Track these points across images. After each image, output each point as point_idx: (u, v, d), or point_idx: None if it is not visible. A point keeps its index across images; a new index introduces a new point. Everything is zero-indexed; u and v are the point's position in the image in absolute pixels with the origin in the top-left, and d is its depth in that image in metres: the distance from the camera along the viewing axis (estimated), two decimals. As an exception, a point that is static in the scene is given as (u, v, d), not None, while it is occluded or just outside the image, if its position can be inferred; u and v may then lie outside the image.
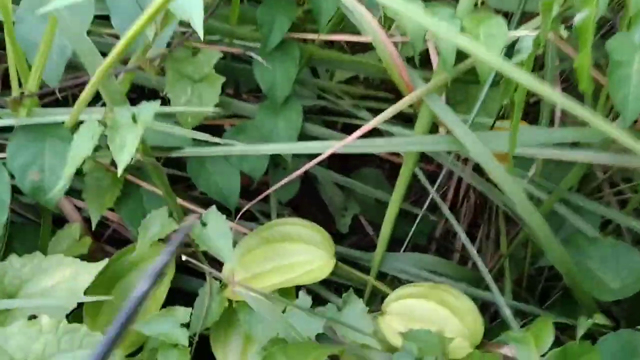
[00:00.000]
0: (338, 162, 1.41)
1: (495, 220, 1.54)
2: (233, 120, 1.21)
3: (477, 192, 1.61)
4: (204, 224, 0.98)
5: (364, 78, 1.46)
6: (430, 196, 1.18)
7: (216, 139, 0.99)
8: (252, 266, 1.09)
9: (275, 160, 1.24)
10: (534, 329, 0.88)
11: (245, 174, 1.16)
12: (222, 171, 1.14)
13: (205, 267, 1.09)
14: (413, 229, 1.20)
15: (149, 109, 0.82)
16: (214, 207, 0.99)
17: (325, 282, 1.22)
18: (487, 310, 1.39)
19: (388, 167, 1.53)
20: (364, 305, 0.98)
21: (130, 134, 0.81)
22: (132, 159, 0.82)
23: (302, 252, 1.08)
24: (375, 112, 1.32)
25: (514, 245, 1.26)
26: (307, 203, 1.47)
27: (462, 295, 1.02)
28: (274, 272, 1.07)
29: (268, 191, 1.04)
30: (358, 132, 0.99)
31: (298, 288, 1.10)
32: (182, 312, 0.99)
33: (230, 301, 1.06)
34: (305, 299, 0.98)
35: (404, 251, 1.24)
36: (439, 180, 1.19)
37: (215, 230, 0.98)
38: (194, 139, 1.07)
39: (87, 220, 1.14)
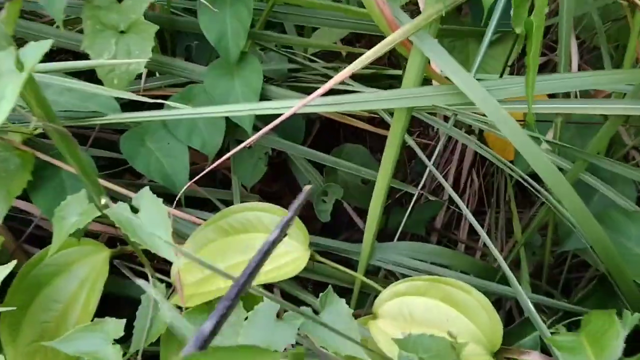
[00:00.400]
0: (323, 145, 1.19)
1: (505, 204, 1.32)
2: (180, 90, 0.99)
3: (482, 174, 1.39)
4: (135, 210, 0.76)
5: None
6: (428, 170, 0.96)
7: (144, 99, 0.76)
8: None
9: (236, 137, 1.01)
10: (589, 330, 0.63)
11: (197, 150, 0.94)
12: (166, 147, 0.92)
13: (148, 267, 0.87)
14: (408, 211, 0.97)
15: (36, 49, 0.60)
16: (146, 188, 0.76)
17: (301, 281, 1.00)
18: (500, 308, 1.17)
19: (376, 142, 1.31)
20: (347, 306, 0.75)
21: (11, 82, 0.58)
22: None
23: (268, 244, 0.86)
24: (357, 77, 1.11)
25: (531, 230, 1.03)
26: (282, 191, 1.25)
27: (472, 290, 0.79)
28: (236, 270, 0.85)
29: (219, 161, 0.80)
30: (323, 89, 0.76)
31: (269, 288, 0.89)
32: (113, 325, 0.77)
33: (182, 308, 0.84)
34: (271, 302, 0.75)
35: (398, 240, 1.01)
36: (437, 151, 0.97)
37: (149, 218, 0.75)
38: (125, 107, 0.84)
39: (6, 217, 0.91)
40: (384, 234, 1.26)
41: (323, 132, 1.36)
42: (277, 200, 1.32)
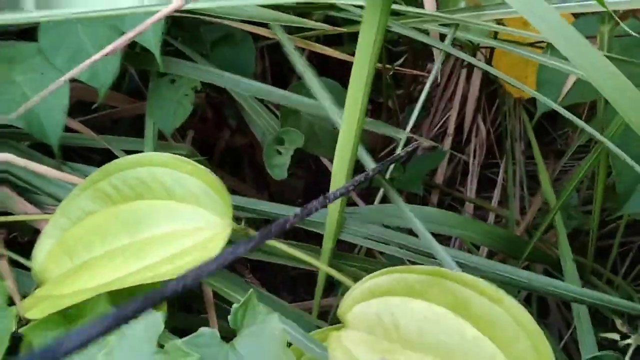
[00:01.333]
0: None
1: (522, 153, 0.95)
2: None
3: (493, 114, 1.03)
4: None
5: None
6: (423, 96, 0.59)
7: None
8: (78, 247, 0.51)
9: (155, 67, 0.65)
10: None
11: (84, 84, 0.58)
12: (39, 79, 0.56)
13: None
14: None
15: None
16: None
17: (245, 264, 0.66)
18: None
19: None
20: (280, 326, 0.40)
21: None
22: None
23: (169, 217, 0.50)
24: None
25: (572, 187, 0.65)
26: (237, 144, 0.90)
27: (504, 297, 0.41)
28: (121, 258, 0.49)
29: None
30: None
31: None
32: None
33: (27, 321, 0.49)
34: (152, 319, 0.40)
35: (382, 202, 0.65)
36: (431, 77, 0.61)
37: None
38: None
39: None
40: (369, 195, 0.91)
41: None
42: (249, 149, 0.96)
